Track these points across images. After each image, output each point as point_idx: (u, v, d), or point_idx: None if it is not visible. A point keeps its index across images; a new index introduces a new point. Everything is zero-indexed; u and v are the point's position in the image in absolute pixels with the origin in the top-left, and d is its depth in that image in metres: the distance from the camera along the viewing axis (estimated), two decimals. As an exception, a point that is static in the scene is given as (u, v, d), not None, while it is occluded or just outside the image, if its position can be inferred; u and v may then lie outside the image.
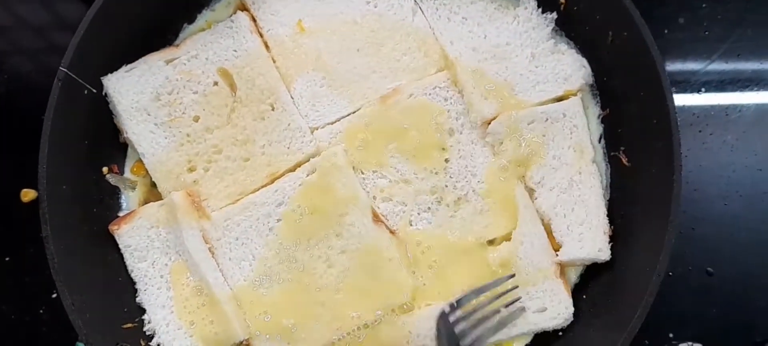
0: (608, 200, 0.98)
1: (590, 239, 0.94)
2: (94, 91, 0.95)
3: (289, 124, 0.97)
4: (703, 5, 1.14)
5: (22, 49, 1.19)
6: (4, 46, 1.18)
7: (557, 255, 0.95)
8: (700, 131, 1.11)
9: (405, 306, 0.93)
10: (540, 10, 0.99)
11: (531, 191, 0.97)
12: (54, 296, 1.06)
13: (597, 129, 0.99)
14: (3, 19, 1.19)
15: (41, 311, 1.07)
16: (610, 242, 0.94)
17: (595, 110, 1.00)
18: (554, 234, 0.95)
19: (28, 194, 1.10)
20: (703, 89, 1.12)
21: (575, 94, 0.98)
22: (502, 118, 0.96)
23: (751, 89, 1.12)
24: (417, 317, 0.93)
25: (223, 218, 0.95)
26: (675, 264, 1.05)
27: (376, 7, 1.00)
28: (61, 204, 0.90)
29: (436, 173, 0.96)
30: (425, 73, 0.99)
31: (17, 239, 1.09)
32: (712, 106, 1.12)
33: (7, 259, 1.09)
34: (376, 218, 0.95)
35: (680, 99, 1.12)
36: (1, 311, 1.08)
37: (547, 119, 0.97)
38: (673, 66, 1.13)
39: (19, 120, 1.13)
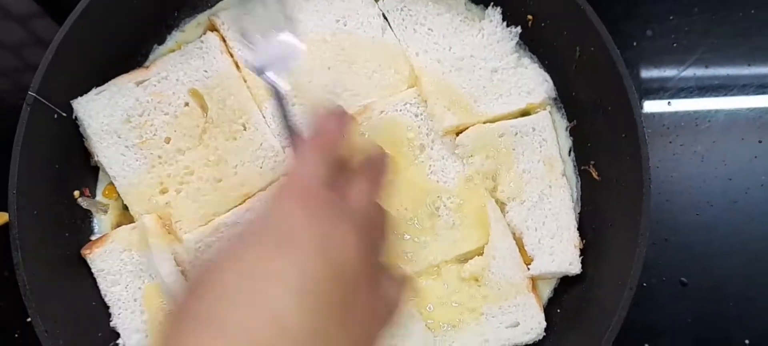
0: (579, 214, 0.97)
1: (561, 252, 0.93)
2: (64, 114, 0.94)
3: (261, 144, 0.96)
4: (671, 17, 1.15)
5: None
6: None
7: (529, 269, 0.94)
8: (670, 142, 1.11)
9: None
10: (505, 23, 0.99)
11: (502, 205, 0.96)
12: (28, 320, 1.04)
13: (566, 142, 0.99)
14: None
15: (16, 335, 1.05)
16: (581, 256, 0.94)
17: (562, 123, 1.00)
18: (526, 248, 0.95)
19: (1, 218, 1.08)
20: (672, 98, 1.13)
21: (541, 108, 0.98)
22: (471, 130, 0.95)
23: (720, 95, 1.12)
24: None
25: (194, 240, 0.94)
26: (649, 275, 1.05)
27: (345, 25, 0.99)
28: (32, 229, 0.89)
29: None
30: (396, 90, 0.98)
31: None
32: (682, 116, 1.12)
33: (-21, 283, 1.07)
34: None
35: (649, 106, 1.12)
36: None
37: (516, 133, 0.96)
38: (643, 74, 1.14)
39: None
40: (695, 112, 1.12)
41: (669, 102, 1.12)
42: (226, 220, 0.94)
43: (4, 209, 1.06)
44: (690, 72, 1.13)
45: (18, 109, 1.10)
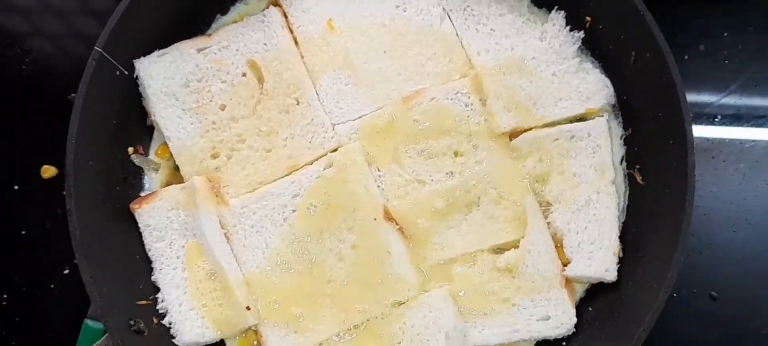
0: (622, 222, 0.97)
1: (599, 258, 0.93)
2: (126, 73, 0.95)
3: (312, 119, 0.96)
4: (725, 34, 1.13)
5: (46, 33, 1.19)
6: (30, 29, 1.19)
7: (565, 270, 0.94)
8: (712, 157, 1.10)
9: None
10: (568, 28, 0.99)
11: (547, 205, 0.96)
12: (66, 272, 1.07)
13: (619, 150, 0.98)
14: (29, 2, 1.19)
15: (52, 286, 1.07)
16: (618, 262, 0.93)
17: (617, 131, 0.99)
18: (565, 249, 0.94)
19: (47, 171, 1.10)
20: (718, 119, 1.11)
21: (597, 113, 0.97)
22: (528, 135, 0.95)
23: (766, 126, 1.11)
24: (411, 307, 0.92)
25: (240, 206, 0.95)
26: (679, 286, 1.04)
27: (405, 10, 1.00)
28: (86, 180, 0.90)
29: (451, 176, 0.96)
30: (448, 79, 0.98)
31: (34, 214, 1.09)
32: (726, 137, 1.11)
33: (23, 232, 1.09)
34: (388, 215, 0.95)
35: (695, 128, 1.11)
36: (14, 283, 1.07)
37: (572, 137, 0.96)
38: (692, 86, 1.12)
39: (41, 100, 1.13)
40: (742, 129, 1.10)
41: (717, 116, 1.11)
42: (272, 189, 0.95)
43: (54, 163, 1.09)
44: (740, 88, 1.12)
45: (65, 72, 1.14)
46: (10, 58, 1.14)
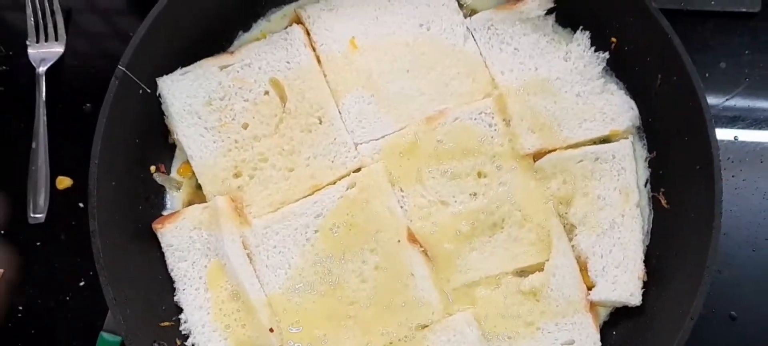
0: (646, 246, 0.96)
1: (624, 282, 0.92)
2: (149, 91, 0.94)
3: (335, 139, 0.95)
4: (746, 52, 1.12)
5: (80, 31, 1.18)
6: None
7: (589, 294, 0.93)
8: (733, 176, 1.09)
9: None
10: (593, 48, 0.98)
11: (572, 228, 0.95)
12: (81, 283, 1.06)
13: (644, 173, 0.97)
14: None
15: (68, 298, 1.06)
16: (643, 286, 0.93)
17: (642, 153, 0.98)
18: (589, 273, 0.94)
19: (63, 182, 1.09)
20: (740, 130, 1.10)
21: (622, 135, 0.96)
22: (552, 156, 0.94)
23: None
24: (435, 331, 0.92)
25: (262, 226, 0.94)
26: (699, 306, 1.04)
27: (428, 29, 0.98)
28: (109, 199, 0.89)
29: (475, 197, 0.95)
30: (472, 99, 0.97)
31: (49, 226, 1.08)
32: (749, 151, 1.09)
33: (37, 244, 1.08)
34: (411, 236, 0.94)
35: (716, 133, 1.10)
36: (29, 295, 1.07)
37: (596, 159, 0.95)
38: (713, 105, 1.11)
39: (58, 108, 1.12)
40: (762, 147, 1.10)
41: (736, 136, 1.10)
42: (294, 209, 0.94)
43: (69, 174, 1.08)
44: (760, 107, 1.11)
45: (85, 77, 1.13)
46: (25, 67, 1.13)
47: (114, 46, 1.17)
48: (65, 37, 1.15)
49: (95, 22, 1.18)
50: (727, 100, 1.12)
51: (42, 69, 1.12)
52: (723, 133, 1.11)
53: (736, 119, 1.11)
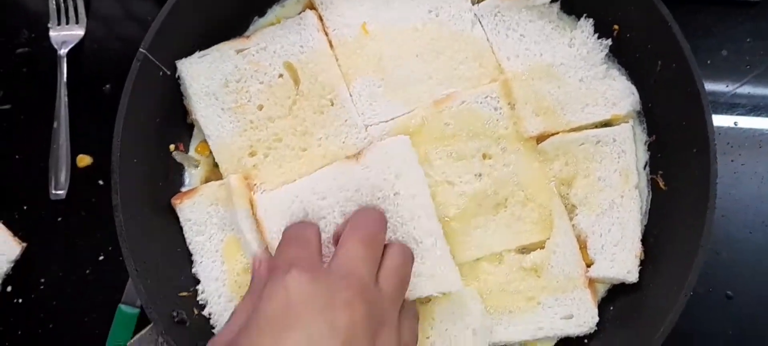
0: (644, 225, 1.01)
1: (621, 260, 0.98)
2: (169, 73, 1.00)
3: (346, 120, 1.01)
4: (748, 40, 1.17)
5: (99, 16, 1.24)
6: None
7: (588, 270, 0.99)
8: (732, 160, 1.14)
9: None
10: (596, 35, 1.02)
11: (572, 208, 1.00)
12: (101, 258, 1.13)
13: (643, 156, 1.03)
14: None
15: (87, 272, 1.13)
16: (640, 264, 0.98)
17: (641, 137, 1.03)
18: (588, 251, 0.99)
19: (83, 160, 1.16)
20: (740, 116, 1.16)
21: (622, 119, 1.01)
22: (555, 139, 1.00)
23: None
24: (441, 302, 0.97)
25: (267, 200, 0.98)
26: (697, 284, 1.08)
27: (437, 15, 1.04)
28: (131, 176, 0.95)
29: (480, 178, 1.00)
30: (479, 83, 1.02)
31: (70, 202, 1.15)
32: (747, 136, 1.15)
33: (59, 220, 1.15)
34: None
35: (716, 122, 1.13)
36: (50, 270, 1.14)
37: (597, 142, 1.00)
38: (713, 91, 1.17)
39: (78, 89, 1.19)
40: (761, 133, 1.15)
41: (736, 121, 1.15)
42: (296, 188, 0.98)
43: (89, 153, 1.15)
44: (761, 93, 1.16)
45: (105, 60, 1.20)
46: (47, 49, 1.19)
47: (132, 30, 1.23)
48: (86, 20, 1.21)
49: (114, 6, 1.24)
50: (727, 87, 1.17)
51: (63, 51, 1.19)
52: (723, 120, 1.16)
53: (736, 106, 1.16)
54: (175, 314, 0.95)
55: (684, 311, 0.89)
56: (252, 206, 0.98)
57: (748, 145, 1.14)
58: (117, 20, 1.24)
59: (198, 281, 1.01)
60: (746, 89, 1.17)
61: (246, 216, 0.98)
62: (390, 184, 0.94)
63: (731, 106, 1.16)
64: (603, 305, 1.01)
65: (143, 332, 1.06)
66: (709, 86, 1.16)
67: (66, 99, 1.17)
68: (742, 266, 1.11)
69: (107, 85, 1.19)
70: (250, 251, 0.98)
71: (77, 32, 1.21)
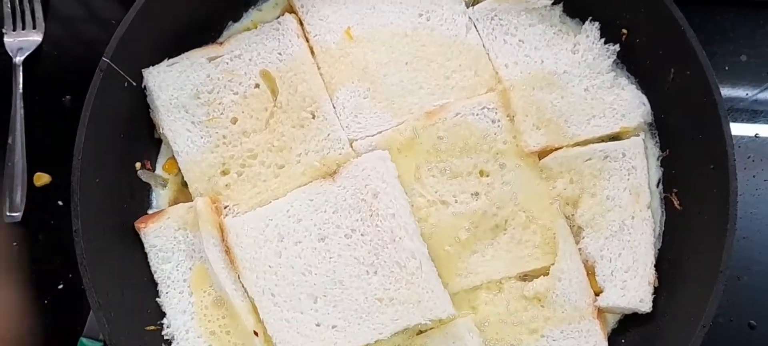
0: (658, 249, 0.99)
1: (634, 288, 0.95)
2: (134, 84, 0.98)
3: (328, 135, 0.99)
4: (768, 43, 1.17)
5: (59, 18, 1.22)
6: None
7: (597, 299, 0.97)
8: (754, 176, 1.12)
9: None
10: (602, 40, 1.01)
11: (579, 230, 0.98)
12: (60, 286, 1.10)
13: (656, 172, 1.01)
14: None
15: (46, 302, 1.11)
16: (653, 292, 0.96)
17: (654, 151, 1.01)
18: (597, 277, 0.97)
19: (40, 178, 1.14)
20: (758, 136, 1.14)
21: (632, 132, 1.00)
22: (559, 154, 0.98)
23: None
24: (433, 337, 0.96)
25: (238, 225, 0.97)
26: (716, 314, 1.06)
27: (428, 20, 1.02)
28: (92, 197, 0.93)
29: (477, 197, 0.98)
30: (474, 93, 1.01)
31: (26, 225, 1.12)
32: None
33: (15, 244, 1.12)
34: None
35: (736, 132, 1.13)
36: (6, 299, 1.11)
37: (605, 157, 0.98)
38: (733, 99, 1.15)
39: (35, 100, 1.17)
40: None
41: (757, 133, 1.14)
42: (269, 211, 0.97)
43: (47, 170, 1.12)
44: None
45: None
46: (1, 56, 1.17)
47: (95, 34, 1.21)
48: (44, 24, 1.19)
49: (75, 8, 1.22)
50: (747, 94, 1.16)
51: (19, 59, 1.16)
52: (744, 129, 1.14)
53: (756, 114, 1.15)
54: (140, 350, 0.93)
55: (704, 343, 0.87)
56: (222, 231, 0.96)
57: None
58: (78, 23, 1.22)
59: (164, 314, 0.98)
60: (767, 96, 1.16)
61: (213, 245, 0.96)
62: (368, 204, 0.93)
63: (752, 114, 1.15)
64: (613, 338, 0.98)
65: (105, 370, 1.03)
66: (728, 93, 1.15)
67: (22, 111, 1.14)
68: (765, 292, 1.09)
69: (67, 96, 1.17)
70: (217, 283, 0.95)
71: (34, 38, 1.19)
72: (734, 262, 1.06)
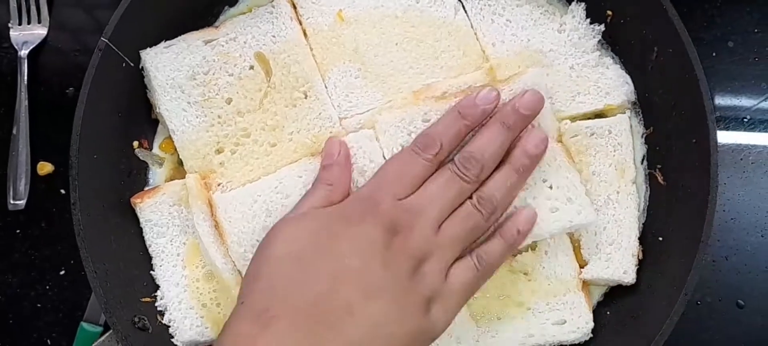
0: (642, 223, 1.02)
1: (617, 260, 0.98)
2: (132, 64, 1.02)
3: (319, 113, 1.02)
4: (755, 30, 1.18)
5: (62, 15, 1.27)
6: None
7: (582, 272, 0.99)
8: (741, 159, 1.15)
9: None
10: (588, 20, 1.04)
11: (564, 204, 1.01)
12: (62, 272, 1.14)
13: (641, 149, 1.03)
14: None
15: (47, 287, 1.14)
16: (638, 264, 0.99)
17: (638, 129, 1.04)
18: (582, 250, 1.00)
19: (44, 167, 1.18)
20: (747, 121, 1.17)
21: (616, 110, 1.03)
22: (544, 130, 1.01)
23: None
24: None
25: (226, 200, 1.00)
26: (704, 293, 1.09)
27: (418, 2, 1.05)
28: (90, 173, 0.97)
29: (464, 176, 1.01)
30: (462, 72, 1.04)
31: (29, 213, 1.16)
32: (757, 140, 1.16)
33: (18, 232, 1.16)
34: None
35: (723, 131, 1.16)
36: (8, 283, 1.15)
37: (591, 134, 1.01)
38: (721, 83, 1.18)
39: (40, 92, 1.21)
40: (770, 140, 1.15)
41: (746, 117, 1.16)
42: (257, 187, 1.00)
43: (50, 160, 1.16)
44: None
45: (67, 60, 1.22)
46: (7, 50, 1.22)
47: (98, 30, 1.23)
48: (48, 19, 1.24)
49: (79, 4, 1.27)
50: (735, 79, 1.18)
51: (24, 52, 1.21)
52: (732, 112, 1.17)
53: (745, 100, 1.17)
54: (136, 319, 0.96)
55: (693, 321, 0.90)
56: (211, 207, 1.00)
57: (760, 142, 1.15)
58: (82, 19, 1.27)
59: (158, 286, 1.02)
60: (761, 84, 1.18)
61: (203, 220, 0.99)
62: (354, 183, 0.96)
63: (741, 101, 1.17)
64: (598, 310, 1.01)
65: (102, 338, 1.07)
66: (719, 80, 1.17)
67: (26, 103, 1.19)
68: (753, 272, 1.11)
69: (70, 88, 1.21)
70: (208, 257, 0.99)
71: (39, 32, 1.23)
72: (721, 242, 1.09)
